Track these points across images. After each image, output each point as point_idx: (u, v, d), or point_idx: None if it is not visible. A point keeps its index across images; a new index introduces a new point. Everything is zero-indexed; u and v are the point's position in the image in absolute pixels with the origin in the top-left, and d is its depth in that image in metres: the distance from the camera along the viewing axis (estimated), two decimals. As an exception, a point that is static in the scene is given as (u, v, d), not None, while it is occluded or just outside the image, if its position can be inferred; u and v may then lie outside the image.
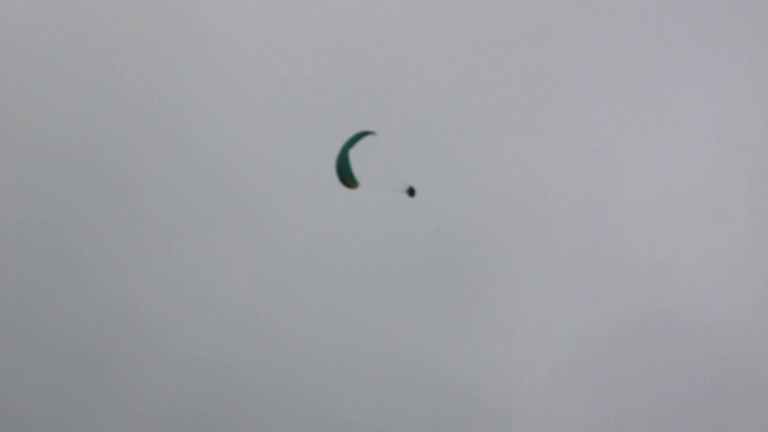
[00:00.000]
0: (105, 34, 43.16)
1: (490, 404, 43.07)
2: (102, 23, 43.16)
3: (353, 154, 33.93)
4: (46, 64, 43.17)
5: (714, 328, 43.24)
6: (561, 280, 43.59)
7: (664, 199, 43.94)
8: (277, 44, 43.96)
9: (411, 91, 43.28)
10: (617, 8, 43.90)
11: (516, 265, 43.60)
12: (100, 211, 43.01)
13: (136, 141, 43.04)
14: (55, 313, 42.51)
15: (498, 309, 43.62)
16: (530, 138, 43.44)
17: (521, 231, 43.65)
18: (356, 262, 42.96)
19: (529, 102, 43.65)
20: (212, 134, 43.23)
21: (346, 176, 33.07)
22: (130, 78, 43.31)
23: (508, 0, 43.68)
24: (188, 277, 43.29)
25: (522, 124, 43.60)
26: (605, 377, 43.61)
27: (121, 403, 42.13)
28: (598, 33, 44.02)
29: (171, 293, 43.06)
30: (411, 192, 32.31)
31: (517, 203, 43.57)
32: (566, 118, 43.90)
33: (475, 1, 43.63)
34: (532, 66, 44.09)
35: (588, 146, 43.65)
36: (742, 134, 43.41)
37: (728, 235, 43.94)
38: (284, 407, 42.51)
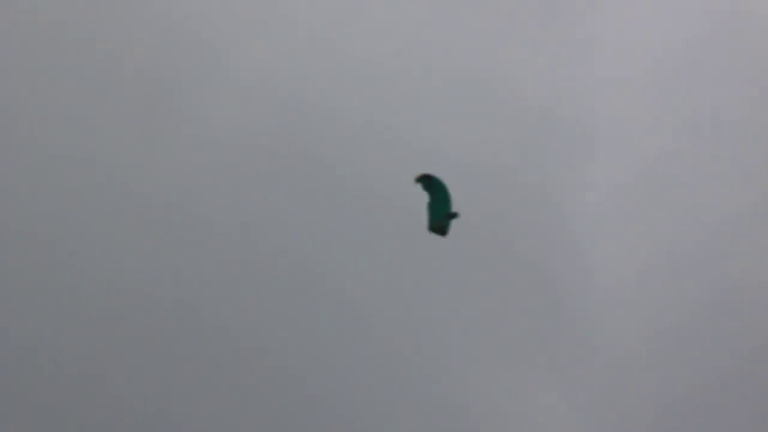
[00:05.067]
0: None
1: (572, 124, 40.93)
2: None
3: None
4: None
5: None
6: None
7: None
8: None
9: None
10: None
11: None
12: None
13: None
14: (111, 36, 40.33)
15: (580, 23, 41.25)
16: None
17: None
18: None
19: None
20: None
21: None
22: None
23: None
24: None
25: None
26: (689, 95, 41.34)
27: (182, 131, 39.99)
28: None
29: (231, 11, 40.72)
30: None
31: None
32: None
33: None
34: None
35: None
36: None
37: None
38: (354, 130, 40.17)
